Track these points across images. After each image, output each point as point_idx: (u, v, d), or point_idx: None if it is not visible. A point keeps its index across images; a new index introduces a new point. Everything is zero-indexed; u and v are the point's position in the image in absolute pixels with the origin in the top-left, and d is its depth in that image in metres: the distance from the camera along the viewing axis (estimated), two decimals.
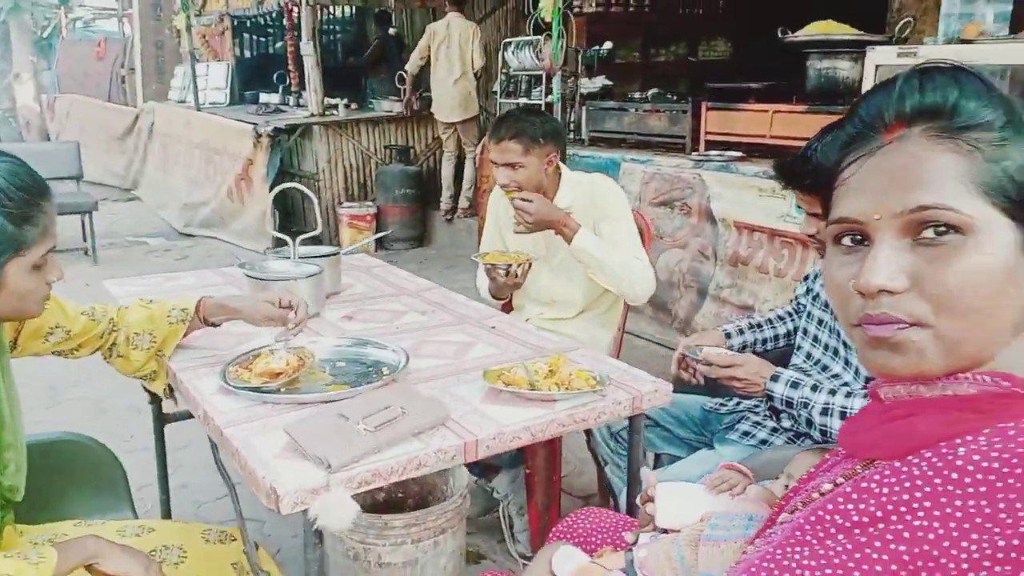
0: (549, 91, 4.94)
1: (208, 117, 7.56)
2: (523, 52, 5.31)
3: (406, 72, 6.41)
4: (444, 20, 6.01)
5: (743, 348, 1.87)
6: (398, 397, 1.35)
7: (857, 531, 0.62)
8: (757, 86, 4.07)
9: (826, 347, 1.69)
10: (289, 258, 2.08)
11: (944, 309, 0.63)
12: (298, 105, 7.33)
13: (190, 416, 1.67)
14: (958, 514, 0.57)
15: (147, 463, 2.40)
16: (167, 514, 2.36)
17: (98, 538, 1.17)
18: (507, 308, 2.47)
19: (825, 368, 1.68)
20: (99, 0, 15.18)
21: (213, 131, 7.24)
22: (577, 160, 4.48)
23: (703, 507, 1.17)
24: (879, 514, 0.62)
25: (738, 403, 1.86)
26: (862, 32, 3.41)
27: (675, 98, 4.55)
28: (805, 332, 1.77)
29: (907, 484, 0.62)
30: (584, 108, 4.81)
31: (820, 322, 1.72)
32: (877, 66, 3.02)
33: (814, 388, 1.51)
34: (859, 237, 0.68)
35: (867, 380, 1.54)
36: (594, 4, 5.59)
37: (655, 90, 4.82)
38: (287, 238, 2.09)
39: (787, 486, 1.10)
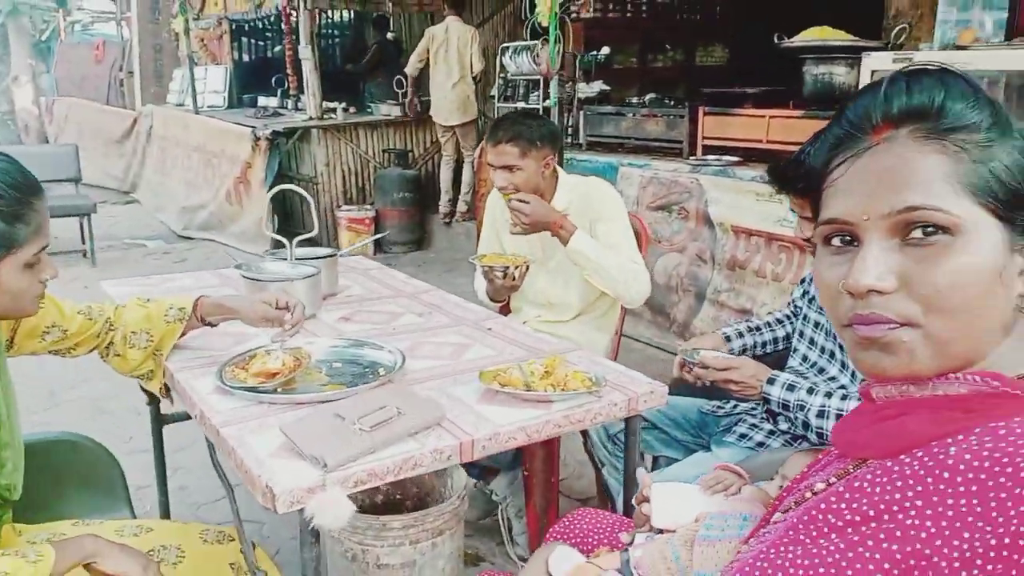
0: (547, 95, 4.95)
1: (206, 120, 7.56)
2: (521, 57, 5.32)
3: (405, 75, 6.42)
4: (443, 24, 6.02)
5: (743, 351, 1.87)
6: (394, 397, 1.36)
7: (850, 530, 0.63)
8: (754, 91, 4.09)
9: (822, 350, 1.70)
10: (286, 259, 2.09)
11: (933, 309, 0.64)
12: (296, 109, 7.33)
13: (188, 417, 1.68)
14: (950, 513, 0.58)
15: (146, 464, 2.40)
16: (166, 515, 2.36)
17: (96, 537, 1.17)
18: (505, 311, 2.47)
19: (822, 371, 1.68)
20: (97, 3, 15.19)
21: (211, 134, 7.25)
22: (575, 164, 4.49)
23: (698, 507, 1.17)
24: (871, 513, 0.62)
25: (735, 406, 1.87)
26: (857, 38, 3.43)
27: (672, 103, 4.56)
28: (801, 335, 1.77)
29: (899, 483, 0.62)
30: (582, 112, 4.82)
31: (816, 325, 1.73)
32: (873, 72, 3.03)
33: (810, 391, 1.52)
34: (848, 238, 0.69)
35: (863, 382, 1.54)
36: (592, 10, 5.60)
37: (652, 95, 4.83)
38: (284, 240, 2.10)
39: (781, 487, 1.10)
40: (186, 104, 8.43)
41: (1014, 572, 0.55)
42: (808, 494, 0.75)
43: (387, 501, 1.90)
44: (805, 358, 1.74)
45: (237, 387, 1.46)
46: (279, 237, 2.15)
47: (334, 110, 6.73)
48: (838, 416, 1.45)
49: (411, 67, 6.24)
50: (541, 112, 4.73)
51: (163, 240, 7.21)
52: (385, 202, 6.45)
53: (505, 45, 5.56)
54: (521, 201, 2.10)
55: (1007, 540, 0.55)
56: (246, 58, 9.95)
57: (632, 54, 6.63)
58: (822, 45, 3.49)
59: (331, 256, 2.21)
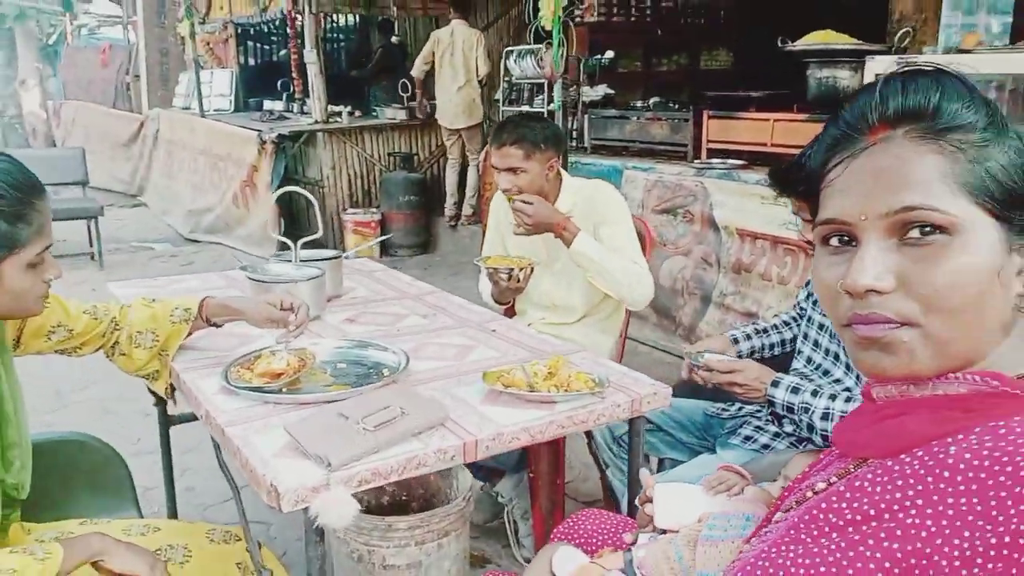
0: (551, 99, 4.96)
1: (213, 124, 7.58)
2: (525, 60, 5.33)
3: (411, 78, 6.43)
4: (448, 27, 6.04)
5: (751, 354, 1.87)
6: (398, 398, 1.37)
7: (850, 529, 0.63)
8: (758, 95, 4.08)
9: (827, 352, 1.69)
10: (290, 261, 2.10)
11: (932, 308, 0.64)
12: (302, 112, 7.35)
13: (195, 419, 1.69)
14: (950, 512, 0.58)
15: (154, 466, 2.41)
16: (173, 516, 2.37)
17: (103, 535, 1.18)
18: (510, 313, 2.47)
19: (826, 373, 1.68)
20: (104, 7, 15.25)
21: (218, 138, 7.27)
22: (579, 167, 4.50)
23: (701, 508, 1.18)
24: (872, 512, 0.62)
25: (740, 408, 1.87)
26: (861, 42, 3.43)
27: (677, 106, 4.56)
28: (806, 337, 1.77)
29: (899, 482, 0.62)
30: (586, 116, 4.83)
31: (821, 327, 1.73)
32: (876, 75, 3.01)
33: (814, 393, 1.52)
34: (846, 238, 0.69)
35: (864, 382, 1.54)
36: (596, 14, 5.60)
37: (657, 98, 4.84)
38: (289, 241, 2.11)
39: (784, 487, 1.10)
40: (192, 108, 8.46)
41: (1014, 571, 0.55)
42: (809, 493, 0.75)
43: (393, 503, 1.91)
44: (809, 360, 1.74)
45: (242, 387, 1.47)
46: (284, 239, 2.16)
47: (339, 114, 6.75)
48: (843, 418, 1.45)
49: (417, 70, 6.25)
50: (545, 115, 4.73)
51: (170, 243, 7.23)
52: (391, 205, 6.46)
53: (509, 49, 5.57)
54: (525, 202, 2.11)
55: (1007, 539, 0.55)
56: (252, 62, 9.98)
57: (636, 58, 6.63)
58: (826, 49, 3.49)
59: (335, 258, 2.22)
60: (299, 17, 6.82)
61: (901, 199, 0.64)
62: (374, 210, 6.52)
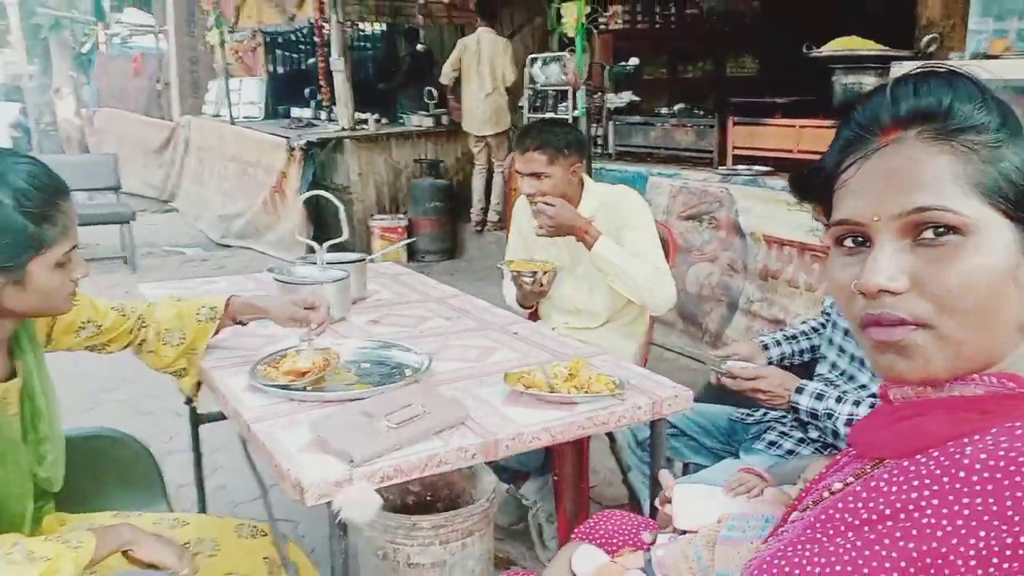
0: (575, 106, 4.97)
1: (242, 131, 7.68)
2: (549, 67, 5.35)
3: (439, 85, 6.47)
4: (475, 35, 6.08)
5: (780, 359, 1.85)
6: (420, 397, 1.39)
7: (866, 529, 0.63)
8: (784, 101, 4.06)
9: (852, 357, 1.68)
10: (316, 264, 2.13)
11: (946, 309, 0.64)
12: (330, 119, 7.42)
13: (224, 417, 1.72)
14: (966, 512, 0.58)
15: (186, 463, 2.45)
16: (203, 512, 2.40)
17: (133, 526, 1.21)
18: (533, 317, 2.48)
19: (851, 378, 1.67)
20: (136, 17, 15.53)
21: (247, 145, 7.37)
22: (604, 174, 4.50)
23: (720, 508, 1.18)
24: (888, 512, 0.62)
25: (765, 413, 1.86)
26: (886, 48, 3.40)
27: (702, 113, 4.55)
28: (831, 342, 1.76)
29: (915, 483, 0.62)
30: (611, 122, 4.83)
31: (846, 332, 1.71)
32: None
33: (839, 399, 1.51)
34: (860, 239, 0.69)
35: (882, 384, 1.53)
36: (620, 21, 5.60)
37: (682, 105, 4.83)
38: (315, 244, 2.14)
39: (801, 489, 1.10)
40: (222, 115, 8.56)
41: None
42: (826, 494, 0.75)
43: (418, 502, 1.92)
44: (834, 365, 1.73)
45: (269, 385, 1.50)
46: (311, 242, 2.19)
47: (366, 121, 6.82)
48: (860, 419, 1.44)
49: (445, 76, 6.29)
50: (569, 122, 4.74)
51: (201, 248, 7.33)
52: (417, 211, 6.51)
53: (534, 56, 5.60)
54: (547, 203, 2.12)
55: (1023, 539, 0.55)
56: (280, 70, 10.10)
57: (661, 65, 6.63)
58: (851, 55, 3.47)
59: (360, 261, 2.25)
60: (326, 26, 6.92)
61: (914, 200, 0.64)
62: (401, 216, 6.57)
